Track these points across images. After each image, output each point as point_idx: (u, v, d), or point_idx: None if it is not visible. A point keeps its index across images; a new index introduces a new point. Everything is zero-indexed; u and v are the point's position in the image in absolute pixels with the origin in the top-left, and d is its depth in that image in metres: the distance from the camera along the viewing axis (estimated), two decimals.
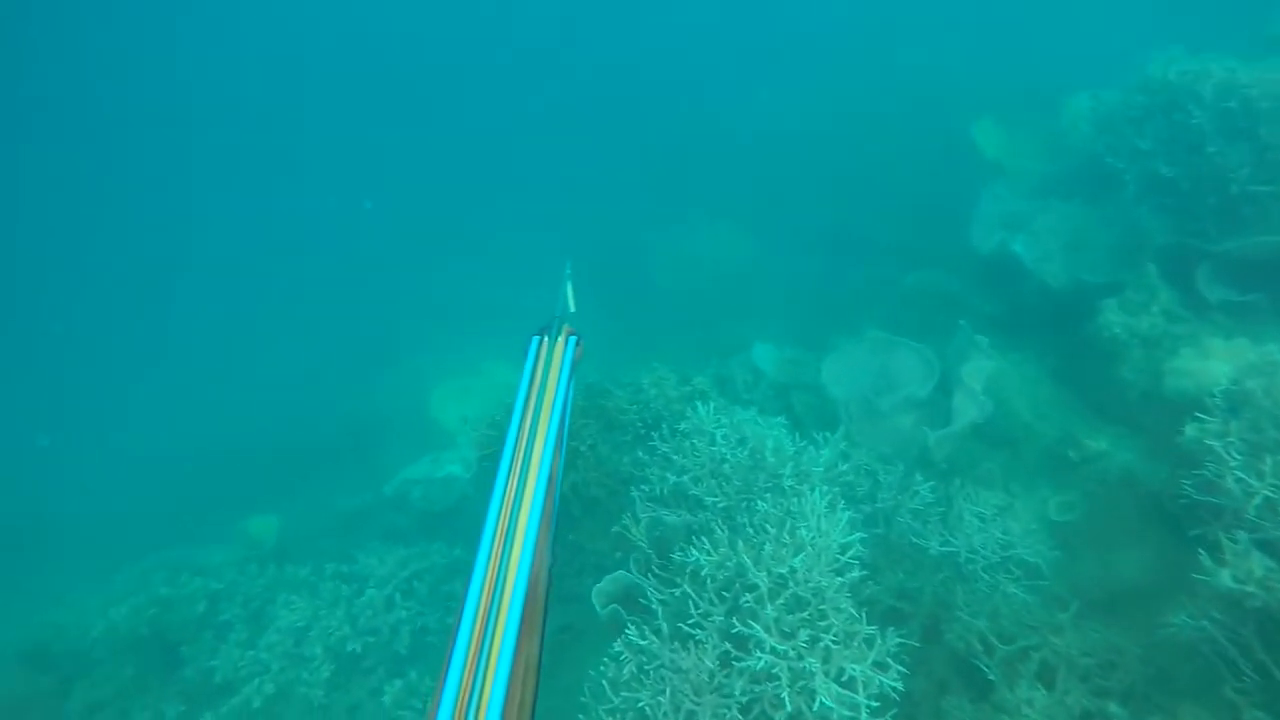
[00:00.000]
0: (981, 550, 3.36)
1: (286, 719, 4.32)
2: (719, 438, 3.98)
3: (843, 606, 2.95)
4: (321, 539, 6.17)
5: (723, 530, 3.37)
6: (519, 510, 1.45)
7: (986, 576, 3.27)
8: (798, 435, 4.10)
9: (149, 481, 8.75)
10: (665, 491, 3.90)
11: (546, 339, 1.94)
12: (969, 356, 4.49)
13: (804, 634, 2.86)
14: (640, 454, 4.26)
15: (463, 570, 4.77)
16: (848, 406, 4.71)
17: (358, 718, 4.24)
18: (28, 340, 13.64)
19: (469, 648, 1.25)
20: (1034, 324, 5.43)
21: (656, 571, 3.52)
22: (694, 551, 3.29)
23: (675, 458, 3.97)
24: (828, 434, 4.30)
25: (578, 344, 1.97)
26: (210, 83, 20.47)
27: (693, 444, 4.03)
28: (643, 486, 4.03)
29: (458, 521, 5.85)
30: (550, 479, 1.54)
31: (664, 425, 4.33)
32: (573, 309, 2.10)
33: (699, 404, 4.27)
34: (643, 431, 4.38)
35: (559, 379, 1.84)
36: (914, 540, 3.80)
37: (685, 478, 3.86)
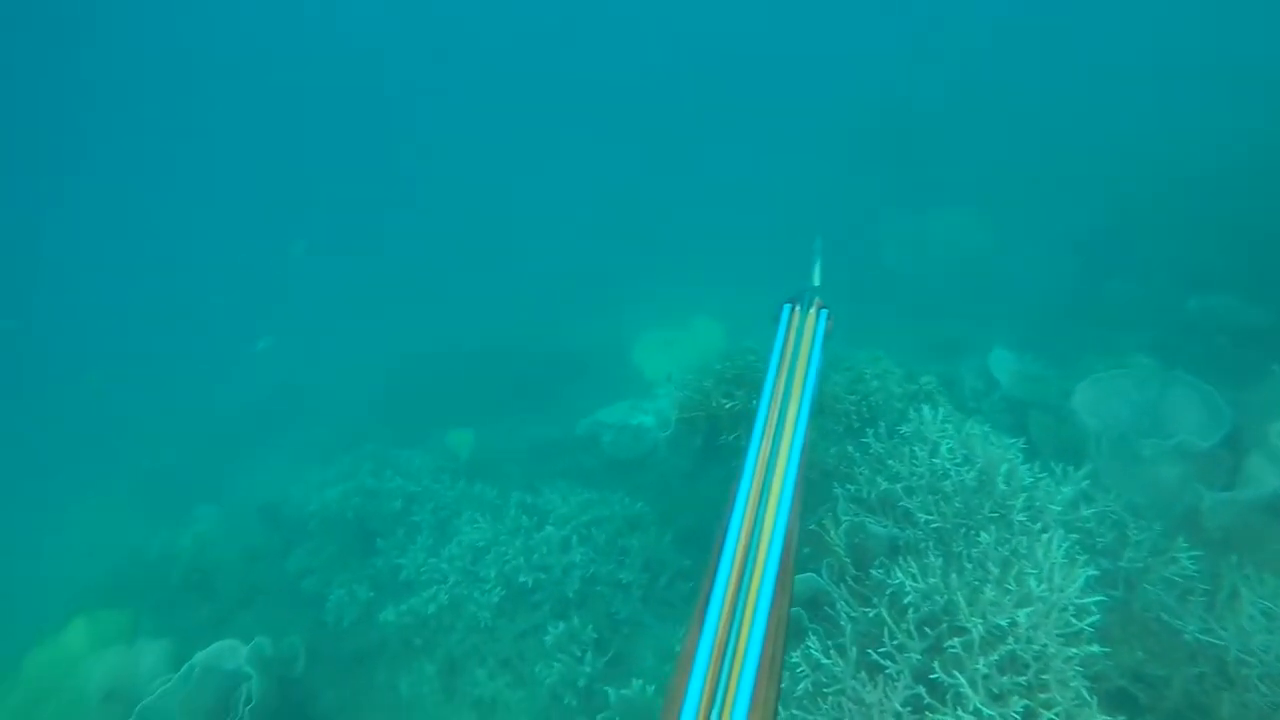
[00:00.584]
0: (1262, 654, 2.72)
1: (455, 630, 4.48)
2: (944, 450, 3.54)
3: (1071, 683, 2.50)
4: (509, 464, 6.37)
5: (935, 556, 2.98)
6: (774, 471, 1.46)
7: (1265, 690, 2.65)
8: (1034, 464, 3.57)
9: (369, 383, 9.54)
10: (873, 497, 3.54)
11: (798, 309, 1.93)
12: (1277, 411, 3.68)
13: (1017, 703, 2.45)
14: (850, 448, 3.91)
15: (642, 527, 4.71)
16: (1099, 441, 4.06)
17: (520, 649, 4.30)
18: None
19: (724, 601, 1.25)
20: None
21: (850, 583, 3.20)
22: (898, 572, 2.94)
23: (890, 462, 3.58)
24: (1069, 468, 3.71)
25: (829, 318, 1.96)
26: None
27: (912, 450, 3.61)
28: (848, 485, 3.69)
29: (643, 474, 5.79)
30: (804, 446, 1.55)
31: (881, 423, 3.94)
32: (817, 283, 2.11)
33: (926, 407, 3.83)
34: (856, 425, 4.01)
35: (810, 351, 1.84)
36: (1163, 616, 3.19)
37: (898, 486, 3.47)
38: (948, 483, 3.41)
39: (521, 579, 4.40)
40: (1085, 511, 3.50)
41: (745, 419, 3.94)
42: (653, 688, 3.72)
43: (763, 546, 1.34)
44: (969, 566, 2.89)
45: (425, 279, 13.24)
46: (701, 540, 4.76)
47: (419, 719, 4.19)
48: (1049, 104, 13.22)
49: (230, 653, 3.94)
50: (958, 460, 3.53)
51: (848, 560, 3.33)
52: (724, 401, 3.95)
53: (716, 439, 4.17)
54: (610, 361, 8.29)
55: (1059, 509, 3.40)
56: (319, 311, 12.92)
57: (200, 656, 3.85)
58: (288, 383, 10.36)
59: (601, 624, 4.32)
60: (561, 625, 4.21)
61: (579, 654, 4.10)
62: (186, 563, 5.65)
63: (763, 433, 1.57)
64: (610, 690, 3.76)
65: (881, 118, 14.24)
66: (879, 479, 3.60)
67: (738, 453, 4.09)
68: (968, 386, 4.98)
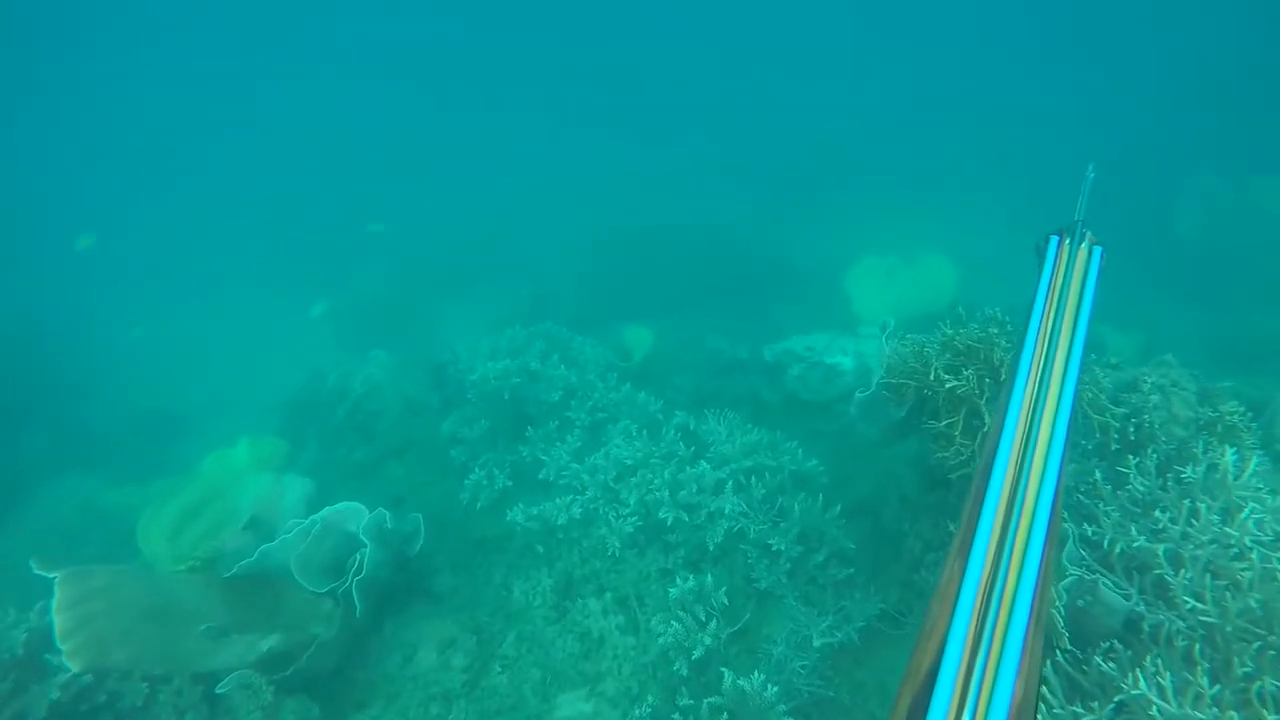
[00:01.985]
0: None
1: (580, 548, 4.14)
2: (1247, 518, 2.56)
3: None
4: (683, 375, 5.82)
5: (1203, 672, 2.11)
6: (1042, 412, 1.32)
7: None
8: None
9: (573, 250, 9.29)
10: (1117, 551, 2.66)
11: (1067, 242, 1.73)
12: None
13: None
14: (1098, 474, 2.97)
15: (810, 489, 4.03)
16: None
17: (641, 591, 3.86)
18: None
19: (990, 541, 1.10)
20: None
21: (1062, 663, 2.39)
22: (1141, 678, 2.12)
23: (1157, 512, 2.66)
24: None
25: (1103, 255, 1.72)
26: None
27: (1194, 505, 2.66)
28: (1085, 526, 2.81)
29: (825, 423, 5.06)
30: (1074, 393, 1.38)
31: (1152, 452, 2.96)
32: (1082, 217, 1.88)
33: (1229, 448, 2.80)
34: (1116, 447, 3.04)
35: (1082, 290, 1.62)
36: None
37: (1160, 548, 2.56)
38: (1243, 566, 2.45)
39: (662, 514, 3.91)
40: None
41: (968, 406, 3.08)
42: (776, 689, 3.15)
43: (1031, 489, 1.19)
44: (1264, 711, 2.00)
45: (646, 153, 12.74)
46: (873, 521, 4.02)
47: (524, 630, 3.91)
48: None
49: (355, 515, 3.82)
50: (1266, 538, 2.53)
51: (1063, 629, 2.50)
52: (946, 378, 3.09)
53: (923, 418, 3.35)
54: (819, 280, 7.40)
55: None
56: (540, 169, 12.85)
57: (325, 513, 3.75)
58: (493, 233, 10.38)
59: (737, 589, 3.76)
60: (692, 579, 3.70)
61: (703, 618, 3.59)
62: (353, 403, 5.73)
63: (1029, 376, 1.40)
64: (727, 673, 3.24)
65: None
66: (1132, 529, 2.70)
67: (949, 443, 3.27)
68: None
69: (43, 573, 3.17)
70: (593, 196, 11.08)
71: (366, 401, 5.78)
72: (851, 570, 3.77)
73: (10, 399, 7.61)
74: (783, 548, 3.74)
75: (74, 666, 3.04)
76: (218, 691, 3.22)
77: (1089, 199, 1.99)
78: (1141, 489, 2.82)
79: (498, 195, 11.85)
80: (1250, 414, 3.72)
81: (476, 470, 4.87)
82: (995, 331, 3.17)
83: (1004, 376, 2.94)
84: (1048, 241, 1.76)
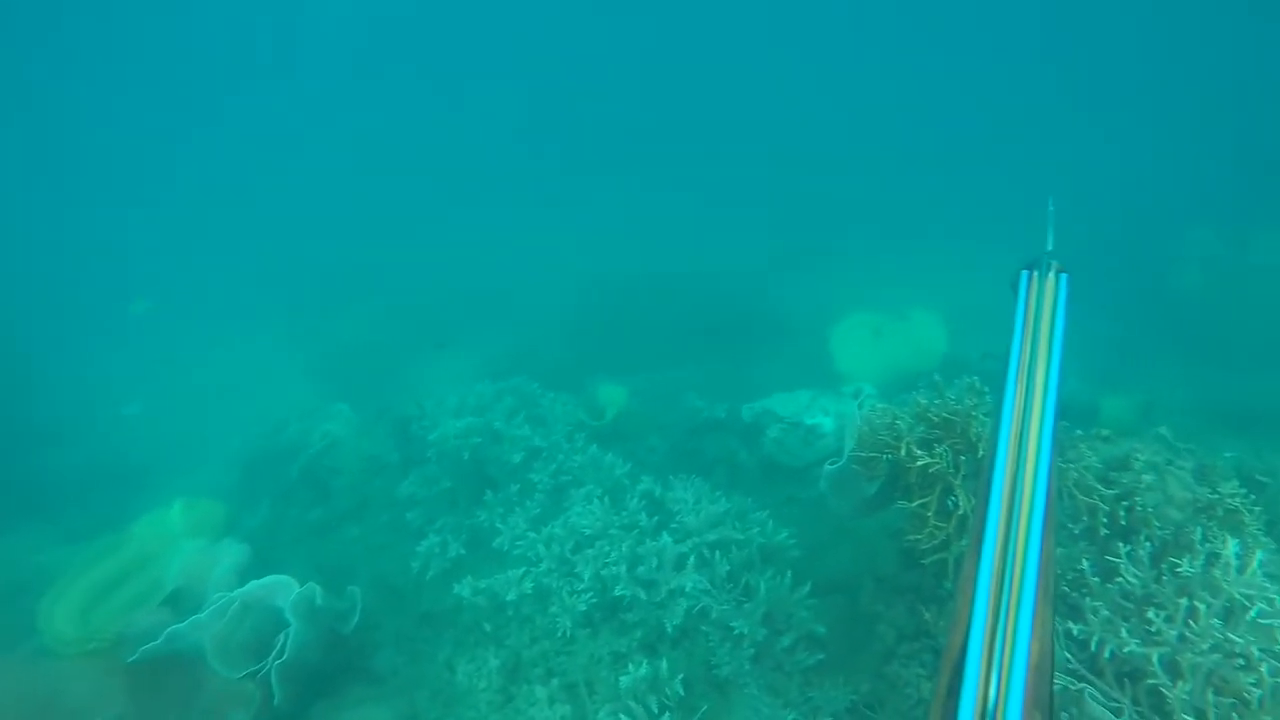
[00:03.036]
0: None
1: (532, 625, 3.83)
2: (1253, 618, 2.28)
3: None
4: (656, 435, 5.55)
5: None
6: (1027, 438, 1.45)
7: None
8: None
9: (555, 301, 9.09)
10: (1106, 654, 2.37)
11: (1036, 274, 1.85)
12: None
13: None
14: (1085, 562, 2.69)
15: (778, 564, 3.74)
16: None
17: (592, 677, 3.54)
18: None
19: (998, 534, 1.29)
20: None
21: None
22: None
23: (1151, 612, 2.37)
24: None
25: (1069, 280, 1.84)
26: None
27: (1194, 604, 2.38)
28: (1071, 623, 2.53)
29: (800, 489, 4.78)
30: (1056, 411, 1.53)
31: (1145, 540, 2.69)
32: (1051, 247, 2.06)
33: (1229, 537, 2.53)
34: (1105, 533, 2.75)
35: (1053, 317, 1.75)
36: None
37: (1155, 654, 2.28)
38: (1251, 681, 2.16)
39: (619, 591, 3.61)
40: None
41: (942, 484, 2.81)
42: None
43: (1027, 488, 1.35)
44: None
45: (637, 199, 12.66)
46: (848, 600, 3.71)
47: (465, 718, 3.58)
48: None
49: (283, 589, 3.51)
50: (1271, 647, 2.25)
51: None
52: (918, 454, 2.82)
53: (895, 495, 3.08)
54: (805, 333, 7.15)
55: None
56: (531, 217, 12.73)
57: (249, 588, 3.45)
58: (480, 281, 10.19)
59: (696, 677, 3.44)
60: (646, 665, 3.38)
61: (656, 710, 3.26)
62: (310, 459, 5.46)
63: (1014, 401, 1.53)
64: None
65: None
66: (1123, 630, 2.41)
67: (921, 524, 3.00)
68: None
69: None
70: (580, 245, 10.93)
71: (324, 458, 5.51)
72: (822, 655, 3.45)
73: None
74: (746, 630, 3.43)
75: None
76: None
77: (1053, 226, 2.15)
78: (1134, 582, 2.53)
79: (487, 242, 11.72)
80: (1251, 495, 3.46)
81: (431, 536, 4.58)
82: (972, 403, 2.91)
83: (983, 452, 2.70)
84: (1019, 277, 1.88)
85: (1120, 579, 2.57)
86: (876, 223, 10.06)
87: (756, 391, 6.06)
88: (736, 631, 3.43)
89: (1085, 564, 2.66)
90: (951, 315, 6.47)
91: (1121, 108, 14.54)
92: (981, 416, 2.85)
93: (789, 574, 3.60)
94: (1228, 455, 3.96)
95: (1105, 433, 3.29)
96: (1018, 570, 1.22)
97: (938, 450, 2.81)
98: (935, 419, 2.92)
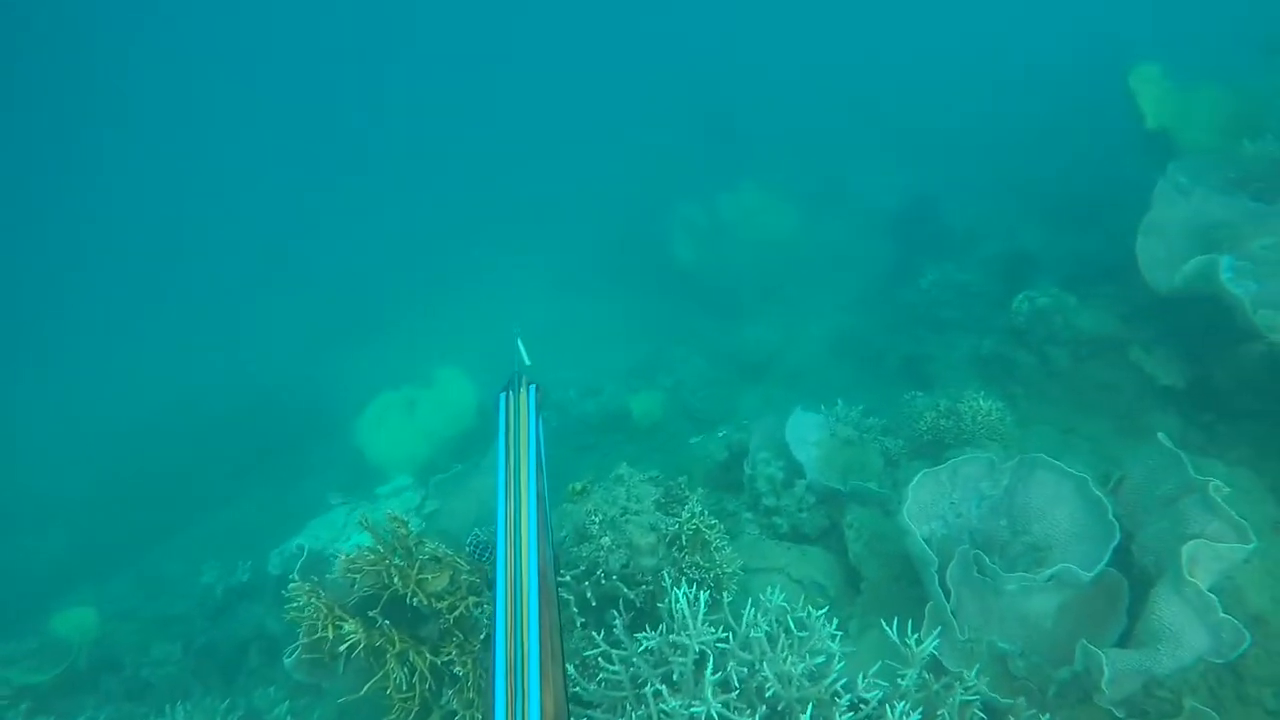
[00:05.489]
0: None
1: None
2: (709, 678, 2.08)
3: None
4: (160, 644, 4.38)
5: None
6: (520, 529, 1.71)
7: None
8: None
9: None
10: None
11: (510, 394, 2.12)
12: (1187, 517, 2.46)
13: None
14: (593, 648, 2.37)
15: None
16: (944, 572, 2.70)
17: None
18: None
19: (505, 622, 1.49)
20: (1263, 416, 3.36)
21: None
22: None
23: (648, 692, 2.08)
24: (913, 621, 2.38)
25: (538, 390, 2.16)
26: None
27: (657, 687, 2.13)
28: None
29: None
30: (539, 497, 1.82)
31: (622, 606, 2.44)
32: (528, 363, 2.34)
33: (680, 592, 2.35)
34: (594, 604, 2.46)
35: (530, 423, 2.04)
36: None
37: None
38: None
39: None
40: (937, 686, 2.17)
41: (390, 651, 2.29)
42: None
43: (524, 573, 1.60)
44: None
45: None
46: None
47: None
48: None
49: None
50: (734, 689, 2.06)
51: None
52: (347, 630, 2.26)
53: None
54: (340, 433, 6.35)
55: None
56: None
57: None
58: None
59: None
60: None
61: None
62: None
63: (505, 501, 1.80)
64: None
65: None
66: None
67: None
68: (762, 476, 3.54)
69: None
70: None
71: None
72: None
73: None
74: None
75: None
76: None
77: (523, 346, 2.40)
78: (616, 669, 2.25)
79: None
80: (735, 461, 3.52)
81: None
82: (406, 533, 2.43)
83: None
84: (497, 400, 2.13)
85: (603, 670, 2.28)
86: (391, 291, 9.61)
87: (292, 524, 5.20)
88: None
89: (587, 649, 2.34)
90: (472, 362, 6.16)
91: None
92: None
93: None
94: (723, 441, 4.11)
95: (578, 486, 3.08)
96: (525, 640, 1.45)
97: (373, 616, 2.29)
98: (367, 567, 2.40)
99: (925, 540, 2.82)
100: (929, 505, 2.93)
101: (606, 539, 2.61)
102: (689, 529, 2.72)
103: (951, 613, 2.62)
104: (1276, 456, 3.19)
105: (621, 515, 2.70)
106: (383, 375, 6.60)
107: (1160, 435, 2.76)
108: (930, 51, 13.23)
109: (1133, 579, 2.55)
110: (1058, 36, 11.18)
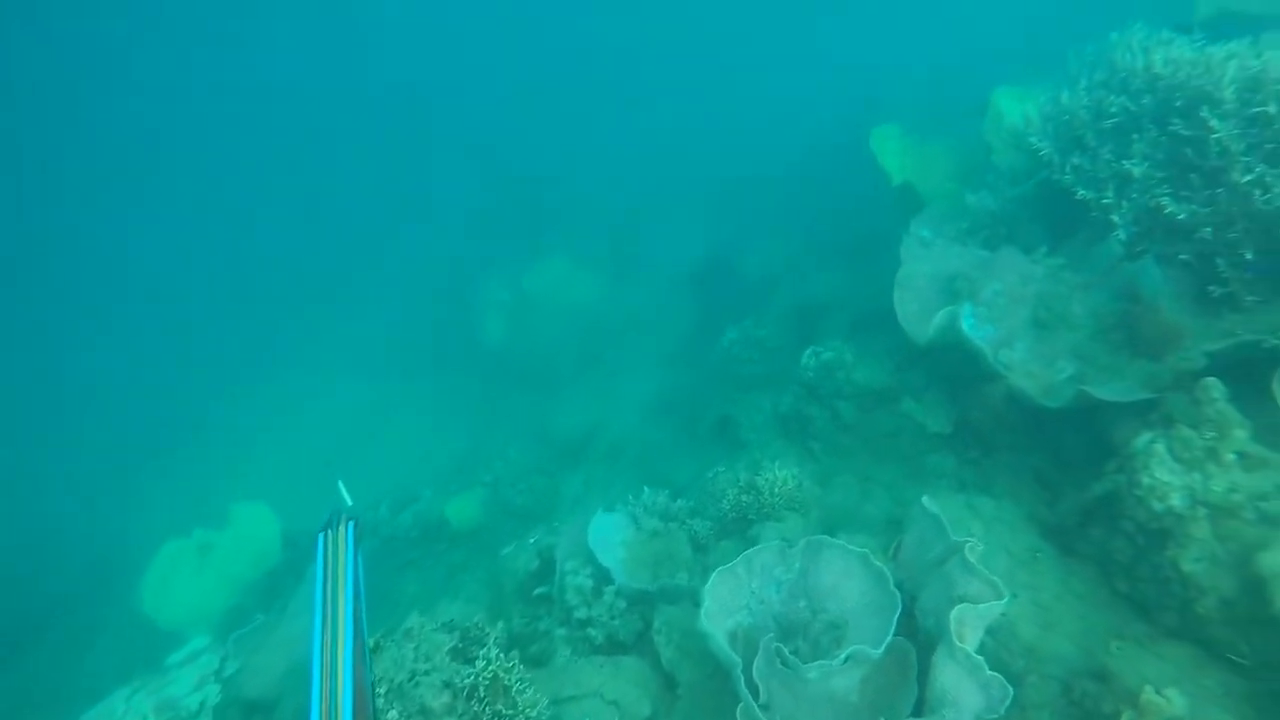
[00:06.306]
0: None
1: None
2: None
3: None
4: None
5: None
6: (336, 658, 1.79)
7: None
8: None
9: None
10: None
11: (330, 532, 2.17)
12: (953, 579, 2.56)
13: None
14: None
15: None
16: (749, 670, 2.67)
17: None
18: None
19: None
20: (1015, 448, 3.62)
21: None
22: None
23: None
24: None
25: (356, 525, 2.22)
26: None
27: None
28: None
29: None
30: (356, 631, 1.90)
31: None
32: (350, 503, 2.48)
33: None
34: None
35: (346, 559, 2.10)
36: None
37: None
38: None
39: None
40: None
41: None
42: None
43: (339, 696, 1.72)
44: None
45: None
46: None
47: None
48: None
49: None
50: None
51: None
52: None
53: None
54: (107, 606, 5.63)
55: None
56: None
57: None
58: None
59: None
60: None
61: None
62: None
63: (322, 632, 1.87)
64: None
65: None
66: None
67: None
68: (571, 588, 3.42)
69: None
70: None
71: None
72: None
73: None
74: None
75: None
76: None
77: (344, 488, 2.54)
78: None
79: None
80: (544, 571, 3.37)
81: None
82: None
83: None
84: (315, 540, 2.18)
85: None
86: (183, 410, 8.81)
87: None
88: None
89: None
90: (276, 491, 5.69)
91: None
92: None
93: None
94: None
95: (371, 643, 2.83)
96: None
97: None
98: None
99: (732, 634, 2.81)
100: (729, 600, 2.92)
101: (393, 713, 2.39)
102: (486, 677, 2.55)
103: (762, 707, 2.59)
104: (1029, 484, 3.45)
105: (410, 680, 2.49)
106: (170, 516, 5.96)
107: (924, 499, 2.89)
108: (731, 104, 13.83)
109: (919, 643, 2.63)
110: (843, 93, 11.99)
